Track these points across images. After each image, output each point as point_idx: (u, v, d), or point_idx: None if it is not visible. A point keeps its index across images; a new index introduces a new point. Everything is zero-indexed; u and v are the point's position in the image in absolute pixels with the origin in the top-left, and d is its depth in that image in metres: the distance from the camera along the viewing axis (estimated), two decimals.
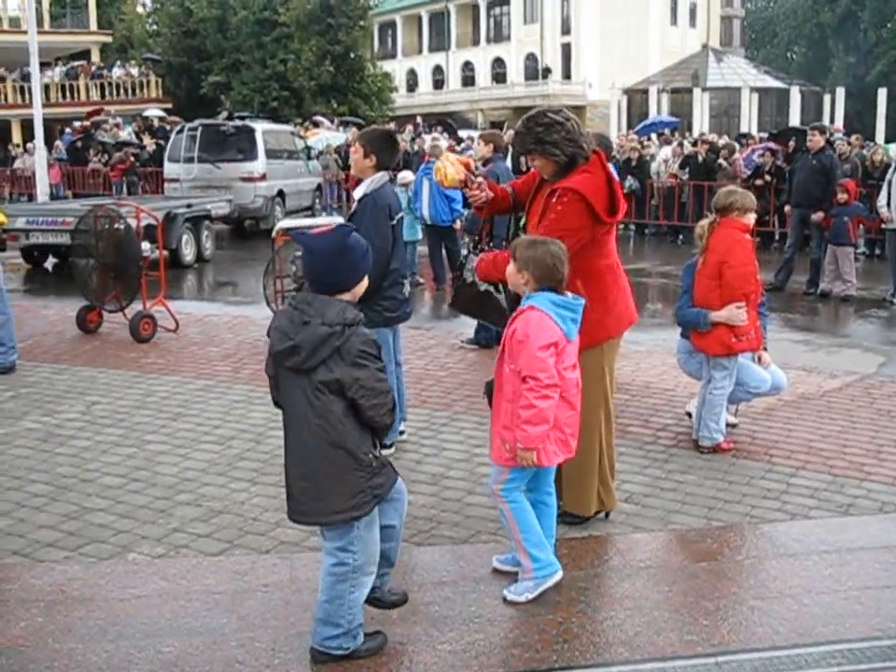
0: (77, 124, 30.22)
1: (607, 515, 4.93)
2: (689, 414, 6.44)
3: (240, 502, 5.20)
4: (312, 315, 3.34)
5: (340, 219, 9.68)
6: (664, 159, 20.56)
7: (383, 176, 5.58)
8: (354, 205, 5.65)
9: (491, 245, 5.99)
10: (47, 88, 34.75)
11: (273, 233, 9.21)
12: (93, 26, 49.97)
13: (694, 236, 6.24)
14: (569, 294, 4.01)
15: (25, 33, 23.92)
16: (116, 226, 9.04)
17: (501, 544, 4.60)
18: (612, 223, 4.60)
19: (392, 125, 31.64)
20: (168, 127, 29.36)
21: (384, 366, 3.50)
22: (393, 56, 65.66)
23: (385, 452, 5.80)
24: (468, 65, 63.74)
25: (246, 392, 7.31)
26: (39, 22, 28.55)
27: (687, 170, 19.14)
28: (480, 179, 4.91)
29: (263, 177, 18.86)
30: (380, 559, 3.66)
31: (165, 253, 9.95)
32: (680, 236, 18.56)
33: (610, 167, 5.02)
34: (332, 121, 29.74)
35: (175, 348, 8.85)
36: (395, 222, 5.55)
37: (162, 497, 5.28)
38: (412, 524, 4.81)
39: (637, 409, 6.90)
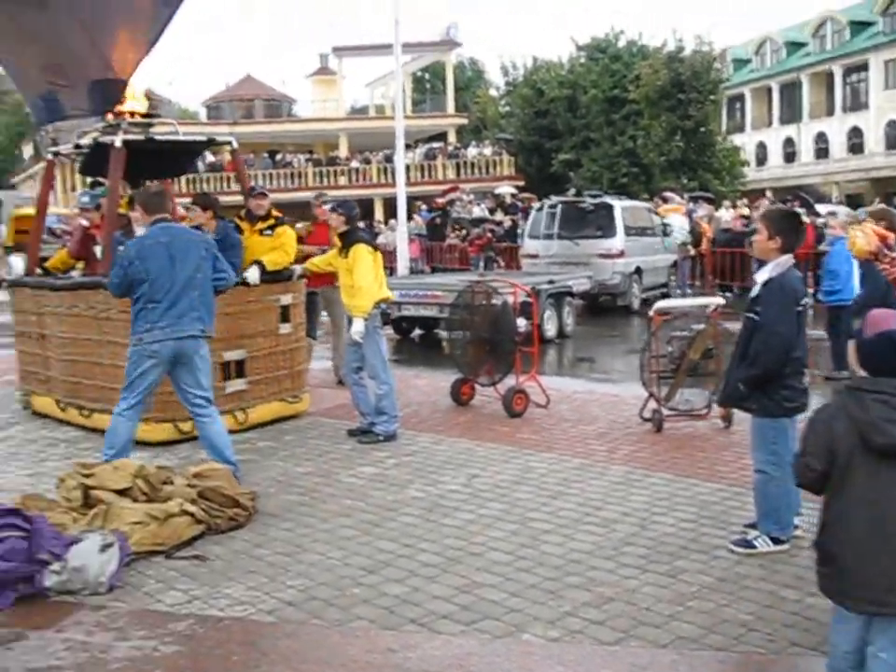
0: (439, 200, 31.72)
1: None
2: None
3: (630, 590, 5.05)
4: None
5: (719, 300, 9.47)
6: None
7: (788, 259, 5.35)
8: (756, 288, 5.45)
9: None
10: (407, 168, 36.87)
11: (651, 313, 9.11)
12: (451, 110, 52.94)
13: None
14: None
15: (390, 119, 25.74)
16: (492, 301, 9.29)
17: None
18: None
19: (744, 200, 30.93)
20: (519, 203, 30.27)
21: None
22: (741, 129, 64.45)
23: (776, 547, 5.50)
24: (821, 136, 61.42)
25: (625, 473, 7.18)
26: (402, 108, 30.47)
27: None
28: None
29: (621, 254, 18.88)
30: None
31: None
32: None
33: None
34: (682, 197, 29.42)
35: (547, 424, 8.91)
36: (801, 308, 5.33)
37: (551, 578, 5.23)
38: None
39: None
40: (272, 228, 9.37)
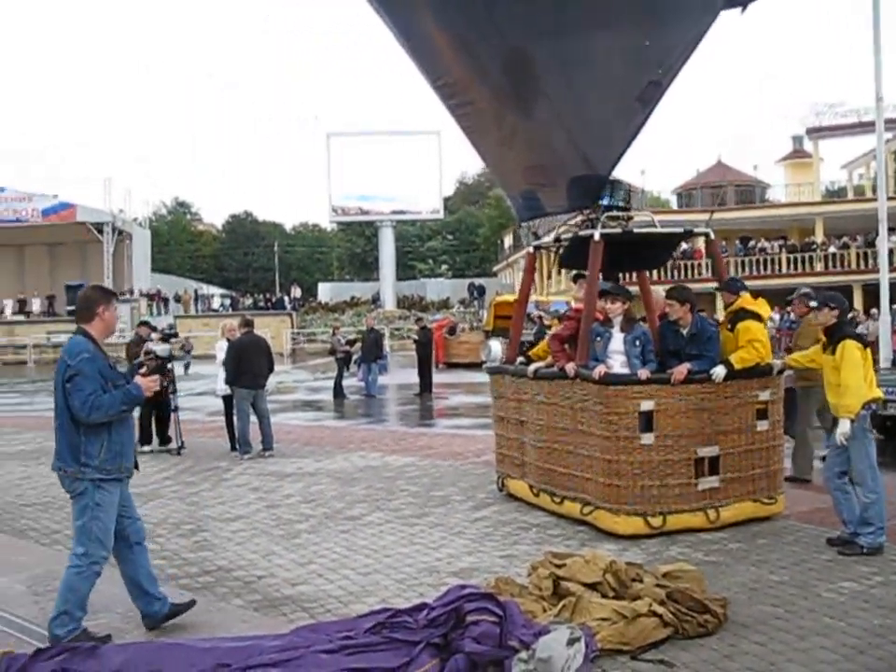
0: None
1: None
2: None
3: None
4: None
5: None
6: None
7: None
8: None
9: None
10: (890, 252, 34.69)
11: None
12: None
13: None
14: None
15: (872, 200, 24.41)
16: None
17: None
18: None
19: None
20: None
21: None
22: None
23: None
24: None
25: None
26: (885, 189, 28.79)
27: None
28: None
29: None
30: None
31: None
32: None
33: None
34: None
35: None
36: None
37: None
38: None
39: None
40: (732, 322, 8.95)
